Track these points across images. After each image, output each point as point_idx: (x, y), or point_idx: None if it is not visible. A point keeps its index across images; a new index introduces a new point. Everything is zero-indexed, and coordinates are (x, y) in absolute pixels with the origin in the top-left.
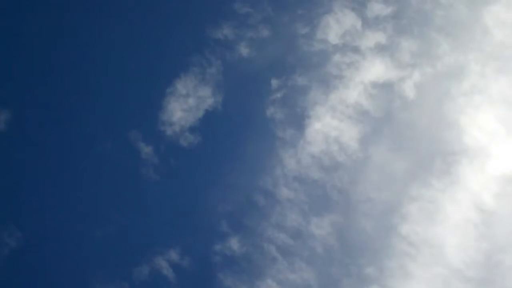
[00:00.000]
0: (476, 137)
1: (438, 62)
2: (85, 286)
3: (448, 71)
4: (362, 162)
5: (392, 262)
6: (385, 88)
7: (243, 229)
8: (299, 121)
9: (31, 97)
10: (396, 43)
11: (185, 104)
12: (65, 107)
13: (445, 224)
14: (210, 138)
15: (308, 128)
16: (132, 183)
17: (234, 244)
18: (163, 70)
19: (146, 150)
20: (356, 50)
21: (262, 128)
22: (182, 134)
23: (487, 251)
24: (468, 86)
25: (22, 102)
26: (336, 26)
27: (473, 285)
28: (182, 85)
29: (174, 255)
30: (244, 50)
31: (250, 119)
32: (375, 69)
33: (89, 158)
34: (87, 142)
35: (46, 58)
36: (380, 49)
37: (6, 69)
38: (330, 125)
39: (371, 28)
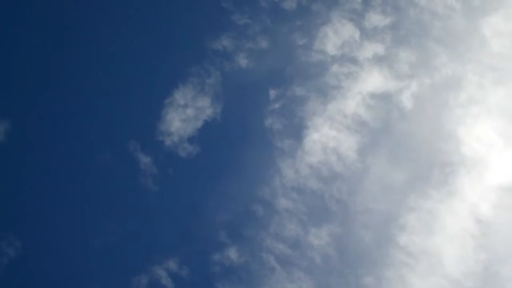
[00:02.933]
0: (474, 148)
1: (436, 73)
2: None
3: (446, 82)
4: (360, 172)
5: (390, 272)
6: (383, 98)
7: (241, 239)
8: (297, 132)
9: (30, 108)
10: (394, 54)
11: (184, 115)
12: (64, 117)
13: (443, 234)
14: (208, 149)
15: (306, 139)
16: (131, 193)
17: (233, 254)
18: (162, 80)
19: (145, 160)
20: (354, 60)
21: (261, 139)
22: (181, 145)
23: (485, 261)
24: (466, 97)
25: (21, 112)
26: (334, 37)
27: None
28: (181, 96)
29: (172, 264)
30: (243, 61)
31: (249, 130)
32: (373, 80)
33: (88, 168)
34: (86, 152)
35: (45, 69)
36: (378, 60)
37: (6, 79)
38: (328, 136)
39: (369, 39)
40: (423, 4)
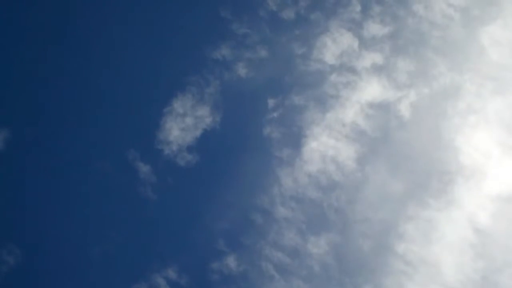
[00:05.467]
0: (472, 157)
1: (434, 82)
2: None
3: (444, 91)
4: (359, 181)
5: (389, 281)
6: (382, 108)
7: (240, 247)
8: (296, 140)
9: (29, 116)
10: (392, 63)
11: (183, 124)
12: (64, 126)
13: (442, 243)
14: (207, 157)
15: (305, 147)
16: (130, 202)
17: (232, 262)
18: (161, 89)
19: (144, 169)
20: (352, 70)
21: (259, 147)
22: (180, 153)
23: (483, 270)
24: (464, 106)
25: (20, 121)
26: (333, 46)
27: None
28: (180, 105)
29: (171, 273)
30: (242, 70)
31: (247, 139)
32: (372, 89)
33: (87, 177)
34: (85, 161)
35: (44, 77)
36: (377, 69)
37: (5, 88)
38: (326, 145)
39: (367, 48)
40: (422, 13)
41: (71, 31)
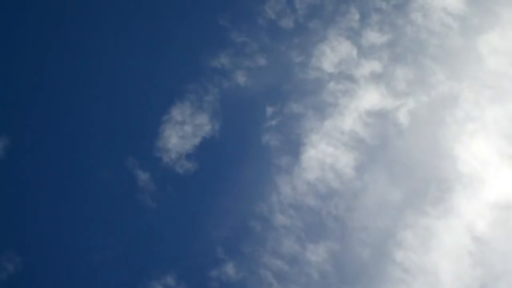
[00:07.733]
0: (471, 165)
1: (433, 90)
2: None
3: (442, 99)
4: (357, 189)
5: None
6: (380, 116)
7: (239, 255)
8: (294, 148)
9: (29, 124)
10: (391, 72)
11: (182, 131)
12: (63, 134)
13: (440, 251)
14: (206, 165)
15: (304, 155)
16: (129, 210)
17: (230, 269)
18: (159, 97)
19: (143, 177)
20: (351, 78)
21: (258, 155)
22: (179, 161)
23: (482, 278)
24: (462, 114)
25: (20, 128)
26: (331, 55)
27: None
28: (179, 113)
29: (170, 280)
30: (240, 78)
31: (246, 146)
32: (370, 97)
33: (86, 185)
34: (84, 169)
35: (43, 84)
36: (375, 77)
37: (4, 95)
38: (325, 152)
39: (366, 56)
40: (420, 22)
41: (70, 39)
